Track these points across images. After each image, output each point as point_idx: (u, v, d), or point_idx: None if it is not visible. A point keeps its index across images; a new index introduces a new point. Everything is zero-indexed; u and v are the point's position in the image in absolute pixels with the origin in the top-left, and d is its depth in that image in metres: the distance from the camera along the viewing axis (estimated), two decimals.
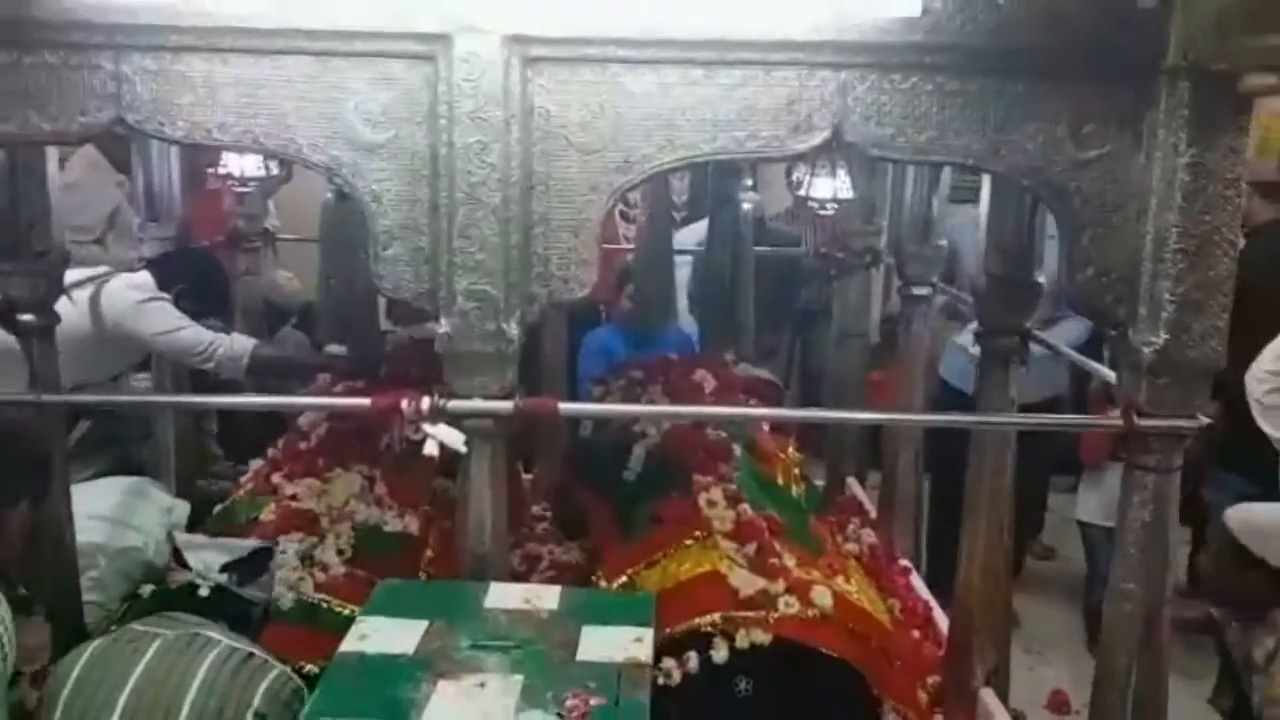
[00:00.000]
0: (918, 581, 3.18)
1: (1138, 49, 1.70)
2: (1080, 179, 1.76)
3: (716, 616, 2.13)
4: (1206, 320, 1.78)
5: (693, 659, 2.07)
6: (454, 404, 1.84)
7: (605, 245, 2.83)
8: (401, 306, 2.88)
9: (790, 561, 2.35)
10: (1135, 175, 1.76)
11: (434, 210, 1.79)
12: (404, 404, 1.84)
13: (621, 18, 1.71)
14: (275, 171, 3.50)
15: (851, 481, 3.84)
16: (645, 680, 1.64)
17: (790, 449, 3.30)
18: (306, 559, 2.42)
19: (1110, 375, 1.98)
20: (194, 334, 3.15)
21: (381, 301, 4.02)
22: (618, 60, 1.74)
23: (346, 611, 2.21)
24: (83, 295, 2.99)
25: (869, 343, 4.10)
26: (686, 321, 4.71)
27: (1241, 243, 1.80)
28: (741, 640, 2.09)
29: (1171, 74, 1.69)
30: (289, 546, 2.43)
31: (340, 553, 2.47)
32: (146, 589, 2.29)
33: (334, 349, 3.75)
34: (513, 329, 1.82)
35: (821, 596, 2.21)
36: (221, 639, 1.87)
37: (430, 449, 1.84)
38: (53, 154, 2.18)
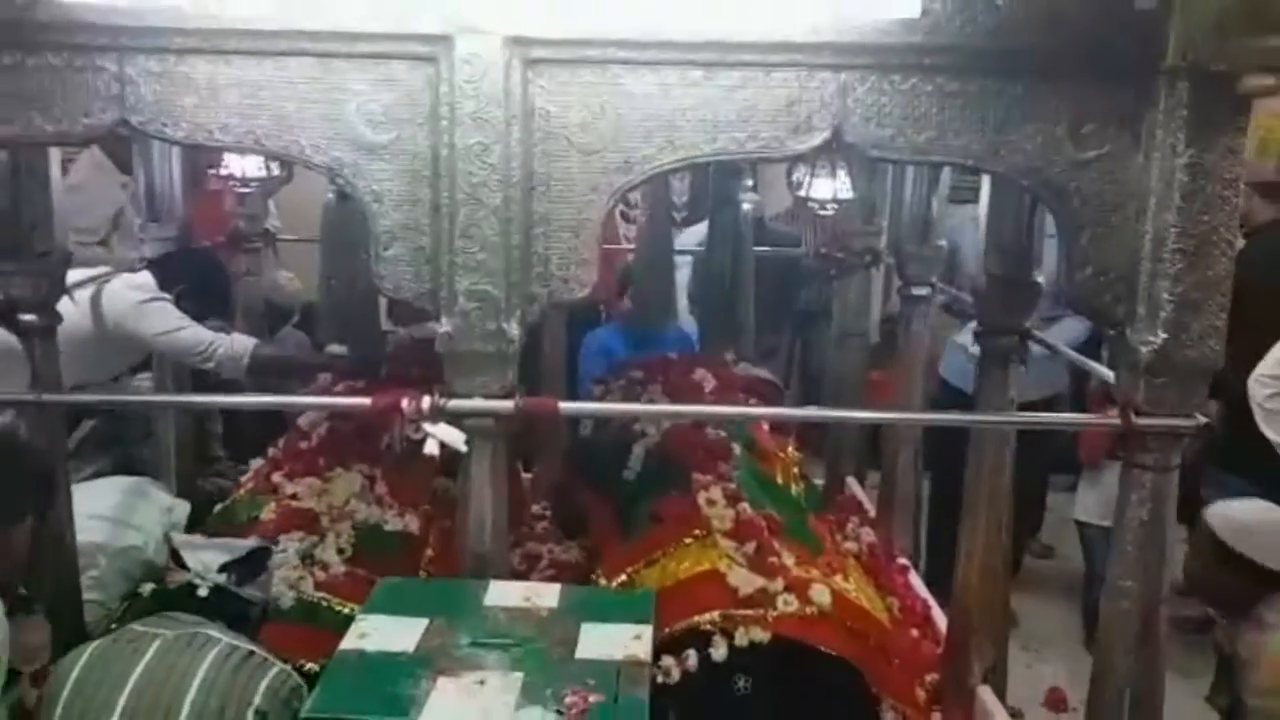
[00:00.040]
0: (916, 580, 3.18)
1: (1137, 50, 1.71)
2: (1079, 179, 1.77)
3: (716, 615, 2.14)
4: (1205, 320, 1.78)
5: (692, 657, 2.08)
6: (454, 403, 1.84)
7: (605, 245, 2.84)
8: (402, 306, 2.87)
9: (789, 560, 2.35)
10: (1134, 175, 1.77)
11: (435, 210, 1.79)
12: (405, 403, 1.84)
13: (622, 19, 1.72)
14: (276, 172, 3.49)
15: (851, 481, 3.84)
16: (644, 678, 1.65)
17: (790, 448, 3.30)
18: (307, 558, 2.42)
19: (1109, 374, 1.98)
20: (194, 334, 3.15)
21: (382, 301, 4.01)
22: (618, 61, 1.75)
23: (347, 610, 2.21)
24: (84, 295, 2.98)
25: (869, 342, 4.10)
26: (686, 321, 4.70)
27: (1241, 243, 1.81)
28: (740, 638, 2.10)
29: (1170, 75, 1.70)
30: (289, 545, 2.43)
31: (340, 552, 2.48)
32: (146, 588, 2.29)
33: (335, 349, 3.74)
34: (513, 329, 1.82)
35: (820, 595, 2.22)
36: (222, 637, 1.87)
37: (431, 448, 1.85)
38: (55, 155, 2.19)
